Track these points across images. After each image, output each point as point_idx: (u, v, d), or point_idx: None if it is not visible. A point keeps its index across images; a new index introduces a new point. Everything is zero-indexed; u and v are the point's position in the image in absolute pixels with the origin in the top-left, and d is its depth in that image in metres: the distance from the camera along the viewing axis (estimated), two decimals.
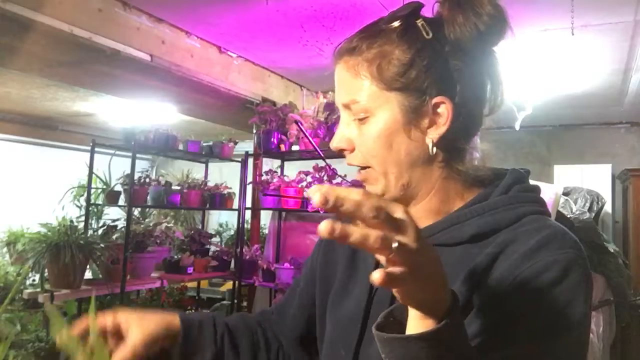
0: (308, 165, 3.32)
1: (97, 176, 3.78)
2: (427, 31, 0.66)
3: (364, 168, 0.71)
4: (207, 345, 0.83)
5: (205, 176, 4.04)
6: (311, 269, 0.91)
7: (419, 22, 0.67)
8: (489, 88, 0.70)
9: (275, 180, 3.41)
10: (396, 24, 0.67)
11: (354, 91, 0.68)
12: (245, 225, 3.94)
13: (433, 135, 0.68)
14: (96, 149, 3.33)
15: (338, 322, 0.78)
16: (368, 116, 0.68)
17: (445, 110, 0.67)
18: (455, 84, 0.66)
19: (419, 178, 0.70)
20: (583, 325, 0.61)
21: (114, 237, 3.41)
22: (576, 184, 5.07)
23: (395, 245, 0.43)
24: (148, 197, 3.39)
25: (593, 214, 4.28)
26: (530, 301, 0.59)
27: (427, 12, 0.70)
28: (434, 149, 0.68)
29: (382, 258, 0.45)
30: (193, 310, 4.67)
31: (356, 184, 0.80)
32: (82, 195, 3.92)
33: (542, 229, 0.64)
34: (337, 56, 0.71)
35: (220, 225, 6.69)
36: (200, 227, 4.27)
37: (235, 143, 3.90)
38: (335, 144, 0.72)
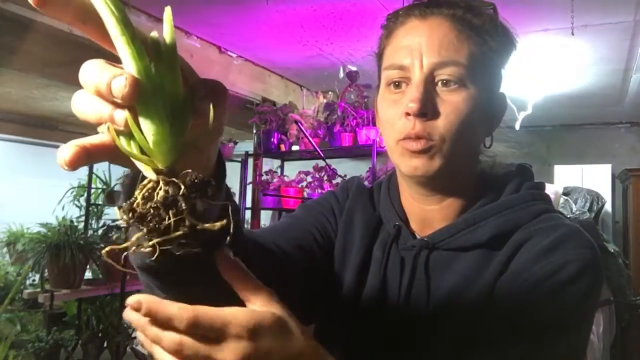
0: (308, 165, 3.32)
1: (97, 176, 3.78)
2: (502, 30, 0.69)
3: (421, 138, 0.63)
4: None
5: None
6: (324, 230, 0.77)
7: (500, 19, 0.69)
8: None
9: (275, 180, 3.41)
10: (491, 11, 0.68)
11: (456, 52, 0.63)
12: (245, 225, 3.93)
13: (492, 126, 0.70)
14: None
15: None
16: (459, 85, 0.63)
17: (504, 103, 0.71)
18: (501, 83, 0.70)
19: (469, 167, 0.70)
20: (589, 325, 0.61)
21: (114, 237, 3.41)
22: (576, 184, 5.06)
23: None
24: None
25: (593, 214, 4.28)
26: (542, 299, 0.59)
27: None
28: (490, 135, 0.70)
29: None
30: None
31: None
32: (82, 195, 3.92)
33: (558, 228, 0.63)
34: (430, 9, 0.66)
35: None
36: None
37: (235, 143, 3.89)
38: (419, 105, 0.62)
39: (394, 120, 0.66)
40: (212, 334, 0.40)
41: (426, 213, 0.71)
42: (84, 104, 0.35)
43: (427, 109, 0.62)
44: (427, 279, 0.67)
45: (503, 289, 0.62)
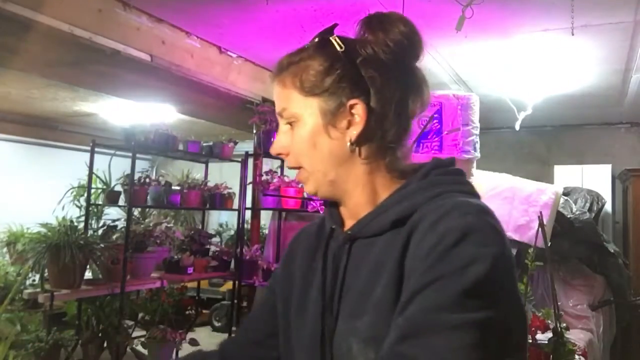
0: None
1: (97, 176, 3.78)
2: (340, 45, 0.76)
3: (299, 169, 0.80)
4: None
5: (205, 176, 4.04)
6: (275, 281, 0.95)
7: (332, 38, 0.77)
8: (410, 94, 0.78)
9: (275, 180, 3.41)
10: (314, 40, 0.78)
11: (284, 100, 0.79)
12: (245, 226, 3.94)
13: (351, 134, 0.76)
14: (96, 149, 3.33)
15: (299, 342, 0.81)
16: (296, 121, 0.78)
17: (360, 111, 0.75)
18: (369, 90, 0.75)
19: (345, 174, 0.78)
20: (501, 295, 0.62)
21: (114, 237, 3.41)
22: (576, 184, 5.07)
23: None
24: (148, 197, 3.39)
25: (593, 214, 4.28)
26: (432, 270, 0.62)
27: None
28: (354, 146, 0.76)
29: None
30: (193, 311, 4.67)
31: None
32: (82, 195, 3.92)
33: (446, 204, 0.68)
34: (273, 74, 0.82)
35: (220, 226, 6.69)
36: (200, 227, 4.26)
37: (235, 143, 3.90)
38: (274, 149, 0.82)
39: None
40: None
41: (345, 213, 0.82)
42: None
43: (281, 150, 0.80)
44: (345, 266, 0.77)
45: (405, 269, 0.67)
